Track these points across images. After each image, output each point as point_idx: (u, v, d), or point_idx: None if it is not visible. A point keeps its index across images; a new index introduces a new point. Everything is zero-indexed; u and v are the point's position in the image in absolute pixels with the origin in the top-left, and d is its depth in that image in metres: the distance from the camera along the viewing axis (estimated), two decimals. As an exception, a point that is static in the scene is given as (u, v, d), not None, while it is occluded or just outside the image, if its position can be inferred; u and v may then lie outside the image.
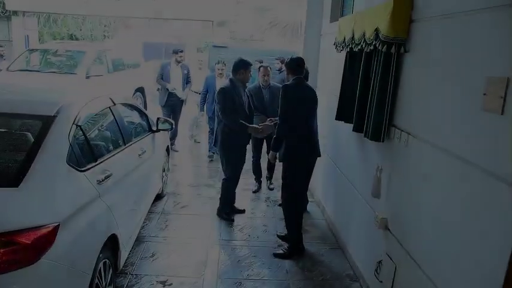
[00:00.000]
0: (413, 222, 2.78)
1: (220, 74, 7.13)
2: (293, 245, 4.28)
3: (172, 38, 22.81)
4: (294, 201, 4.27)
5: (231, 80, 4.73)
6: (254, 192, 6.01)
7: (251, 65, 4.91)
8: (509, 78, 1.87)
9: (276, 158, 4.31)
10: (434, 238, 2.50)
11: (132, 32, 20.52)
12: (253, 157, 6.04)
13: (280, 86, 5.37)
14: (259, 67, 5.96)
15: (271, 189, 6.09)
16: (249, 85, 5.45)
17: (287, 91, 4.07)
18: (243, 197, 5.70)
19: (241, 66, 4.70)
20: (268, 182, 6.22)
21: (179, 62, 7.53)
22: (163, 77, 7.52)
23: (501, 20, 1.98)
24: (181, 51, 7.57)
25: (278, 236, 4.60)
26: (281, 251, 4.27)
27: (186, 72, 7.66)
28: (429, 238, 2.56)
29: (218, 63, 7.26)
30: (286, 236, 4.43)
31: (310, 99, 4.20)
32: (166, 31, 22.26)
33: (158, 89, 7.96)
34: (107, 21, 16.84)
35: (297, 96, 4.07)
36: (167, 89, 7.49)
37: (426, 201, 2.62)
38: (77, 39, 18.23)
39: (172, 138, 7.55)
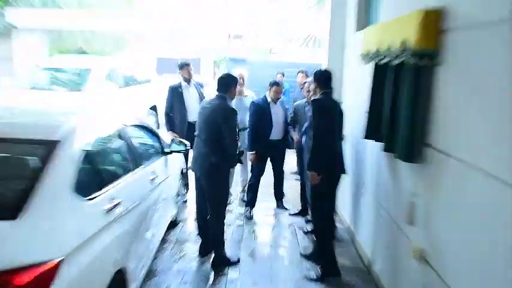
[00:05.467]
0: (456, 254, 2.70)
1: (277, 94, 5.77)
2: (326, 266, 4.37)
3: (187, 53, 23.14)
4: (325, 219, 4.39)
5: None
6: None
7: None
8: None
9: (317, 178, 4.29)
10: (479, 271, 2.42)
11: (144, 46, 20.94)
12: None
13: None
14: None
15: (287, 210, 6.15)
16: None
17: (319, 106, 4.21)
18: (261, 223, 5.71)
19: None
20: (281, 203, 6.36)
21: (189, 81, 6.21)
22: (173, 109, 6.12)
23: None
24: (187, 65, 6.20)
25: (301, 255, 4.79)
26: (314, 275, 4.34)
27: (200, 90, 6.35)
28: (474, 271, 2.48)
29: (274, 84, 5.79)
30: (312, 254, 4.69)
31: (339, 114, 4.38)
32: (181, 45, 22.62)
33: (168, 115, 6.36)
34: (118, 34, 17.12)
35: (328, 111, 4.22)
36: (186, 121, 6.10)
37: (469, 230, 2.54)
38: (85, 54, 18.65)
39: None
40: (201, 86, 6.50)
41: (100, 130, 3.44)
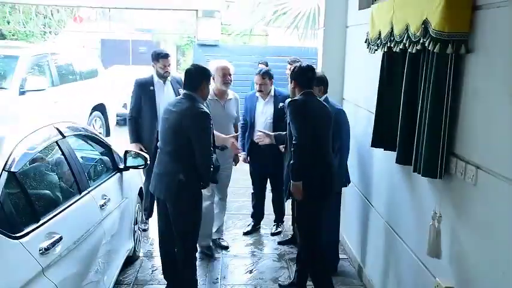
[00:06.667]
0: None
1: (261, 89, 5.96)
2: None
3: (140, 34, 22.88)
4: (316, 252, 4.44)
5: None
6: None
7: None
8: None
9: (301, 192, 4.34)
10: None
11: (84, 26, 20.66)
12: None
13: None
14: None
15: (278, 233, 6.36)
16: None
17: (297, 107, 4.25)
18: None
19: None
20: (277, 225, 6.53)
21: (165, 77, 5.96)
22: (140, 113, 5.88)
23: None
24: (167, 56, 5.97)
25: (280, 285, 4.98)
26: None
27: (179, 90, 5.81)
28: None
29: (260, 73, 5.99)
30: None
31: (323, 118, 4.37)
32: (132, 23, 22.39)
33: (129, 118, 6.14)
34: (47, 10, 16.62)
35: (310, 114, 4.26)
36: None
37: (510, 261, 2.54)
38: (3, 37, 18.15)
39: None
40: (180, 84, 5.85)
41: (32, 144, 3.36)
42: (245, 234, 6.40)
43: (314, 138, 4.25)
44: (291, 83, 4.48)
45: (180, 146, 4.27)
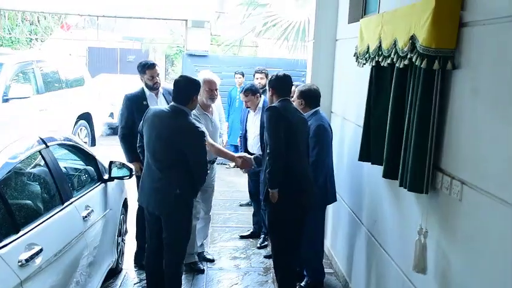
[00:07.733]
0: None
1: (247, 106, 6.22)
2: None
3: (128, 42, 22.88)
4: (285, 256, 4.53)
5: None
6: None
7: None
8: None
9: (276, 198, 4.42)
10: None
11: (72, 33, 20.62)
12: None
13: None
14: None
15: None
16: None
17: (274, 113, 4.35)
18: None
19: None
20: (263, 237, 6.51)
21: (155, 89, 5.49)
22: (132, 130, 5.14)
23: None
24: (153, 66, 5.49)
25: None
26: None
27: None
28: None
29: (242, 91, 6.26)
30: None
31: (299, 125, 4.46)
32: (121, 32, 22.44)
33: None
34: (34, 17, 16.57)
35: (287, 120, 4.34)
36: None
37: (496, 279, 2.53)
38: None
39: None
40: (171, 95, 5.14)
41: (14, 154, 3.34)
42: (241, 237, 6.59)
43: (289, 145, 4.29)
44: (269, 91, 4.60)
45: (172, 161, 4.27)
